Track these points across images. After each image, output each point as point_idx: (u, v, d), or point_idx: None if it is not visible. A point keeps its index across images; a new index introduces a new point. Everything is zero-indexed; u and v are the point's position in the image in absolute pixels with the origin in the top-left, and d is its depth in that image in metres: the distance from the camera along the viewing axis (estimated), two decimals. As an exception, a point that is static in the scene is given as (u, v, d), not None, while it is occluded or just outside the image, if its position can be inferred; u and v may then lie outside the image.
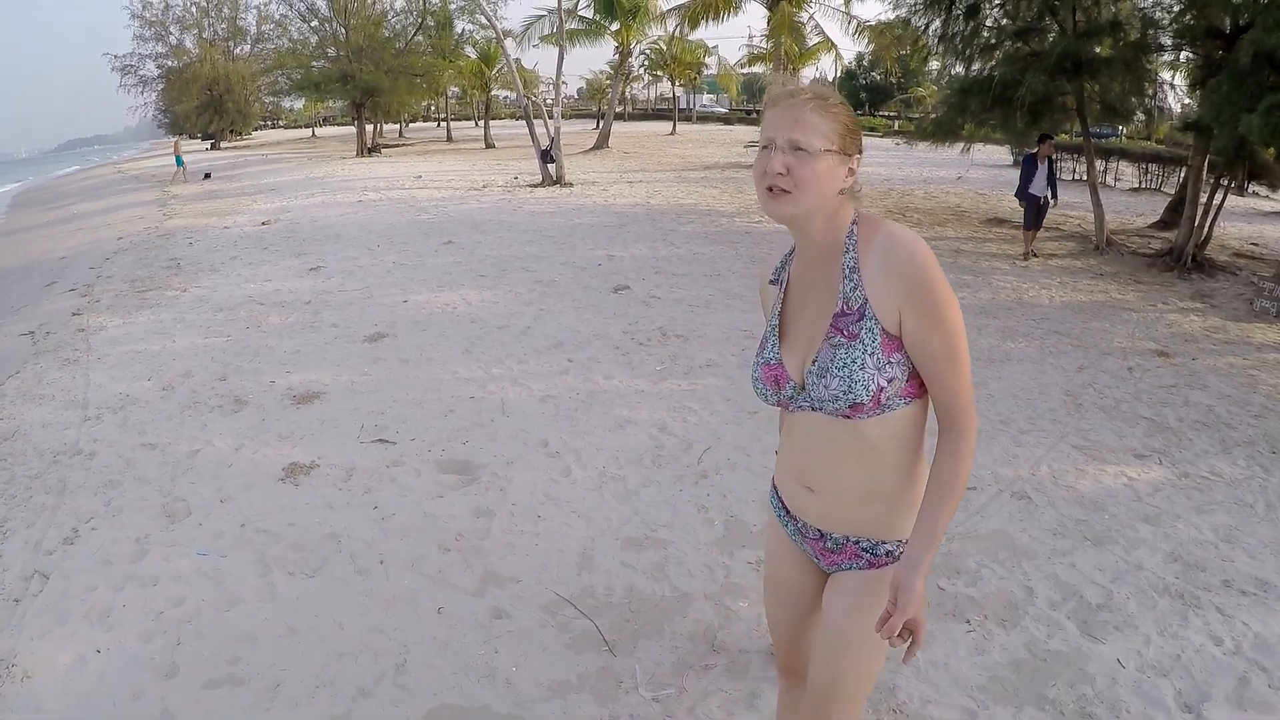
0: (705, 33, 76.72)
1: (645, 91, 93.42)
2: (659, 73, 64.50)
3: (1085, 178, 15.45)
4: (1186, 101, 15.82)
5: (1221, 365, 7.89)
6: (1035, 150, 13.33)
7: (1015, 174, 16.10)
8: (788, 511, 2.25)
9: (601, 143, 38.73)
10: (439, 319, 9.25)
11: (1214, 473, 5.60)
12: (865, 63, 67.55)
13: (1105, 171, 25.38)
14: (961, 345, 1.90)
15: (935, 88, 45.65)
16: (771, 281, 2.23)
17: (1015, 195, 13.66)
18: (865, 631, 2.08)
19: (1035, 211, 13.13)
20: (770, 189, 1.92)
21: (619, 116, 64.50)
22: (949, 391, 1.92)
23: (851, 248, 1.97)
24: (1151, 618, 3.96)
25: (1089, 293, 10.87)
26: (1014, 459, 5.70)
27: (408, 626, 3.88)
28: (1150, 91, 14.51)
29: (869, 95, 74.51)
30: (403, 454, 5.78)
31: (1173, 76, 15.96)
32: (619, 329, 8.78)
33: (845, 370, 1.91)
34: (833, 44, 37.28)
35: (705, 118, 78.28)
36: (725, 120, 74.33)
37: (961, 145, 16.85)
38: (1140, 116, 15.49)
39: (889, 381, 1.91)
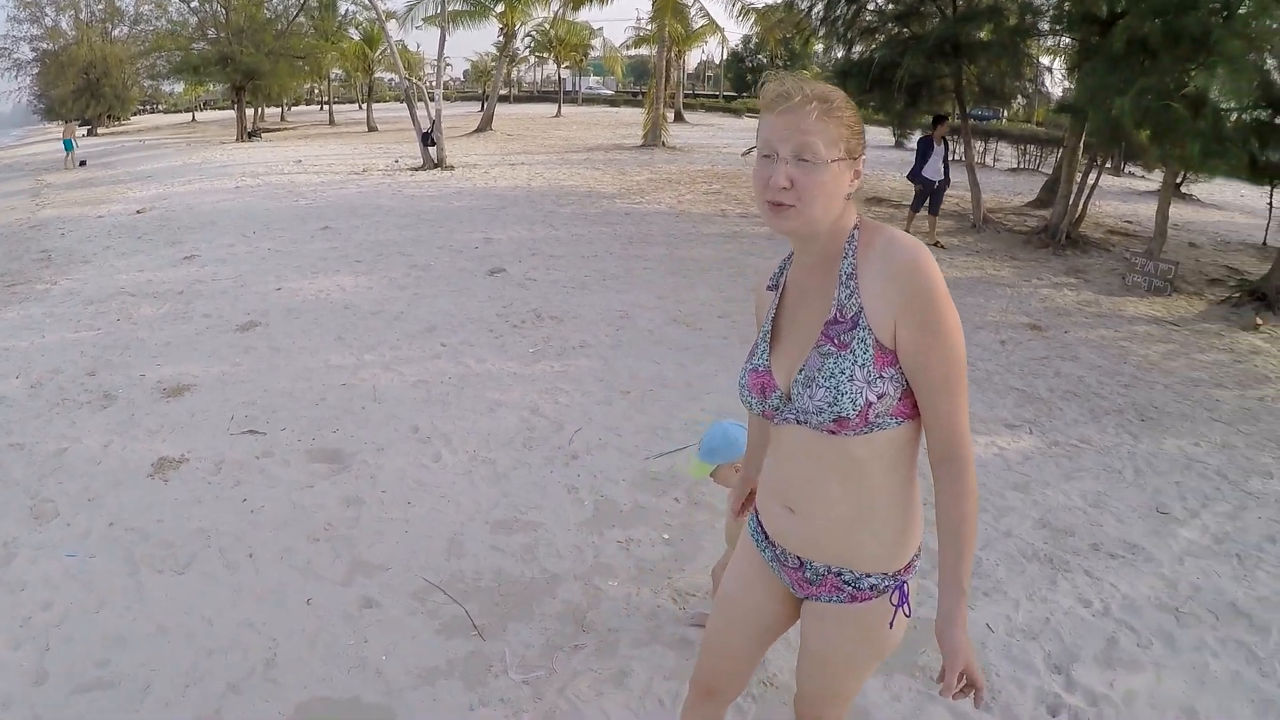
0: (590, 15, 76.62)
1: (531, 74, 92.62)
2: (544, 55, 63.94)
3: (963, 158, 15.86)
4: (1067, 85, 16.38)
5: (1093, 338, 8.27)
6: (931, 132, 13.19)
7: (896, 155, 16.44)
8: (766, 537, 2.15)
9: (485, 125, 38.36)
10: (312, 306, 9.17)
11: (1083, 440, 5.91)
12: (751, 45, 67.93)
13: (985, 152, 26.23)
14: (961, 364, 1.79)
15: (820, 70, 46.30)
16: (769, 287, 2.11)
17: (908, 177, 13.55)
18: (849, 658, 2.12)
19: (928, 195, 13.06)
20: (773, 203, 1.79)
21: (504, 99, 64.02)
22: (945, 414, 1.82)
23: (850, 253, 1.86)
24: (1020, 583, 4.18)
25: (964, 269, 11.25)
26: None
27: (277, 620, 3.89)
28: (1029, 75, 14.96)
29: (755, 78, 74.83)
30: (273, 444, 5.76)
31: (1051, 61, 16.55)
32: (493, 312, 8.85)
33: (832, 381, 1.80)
34: (718, 27, 37.65)
35: (591, 100, 77.94)
36: (611, 102, 74.03)
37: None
38: (1020, 99, 15.97)
39: (879, 397, 1.79)
